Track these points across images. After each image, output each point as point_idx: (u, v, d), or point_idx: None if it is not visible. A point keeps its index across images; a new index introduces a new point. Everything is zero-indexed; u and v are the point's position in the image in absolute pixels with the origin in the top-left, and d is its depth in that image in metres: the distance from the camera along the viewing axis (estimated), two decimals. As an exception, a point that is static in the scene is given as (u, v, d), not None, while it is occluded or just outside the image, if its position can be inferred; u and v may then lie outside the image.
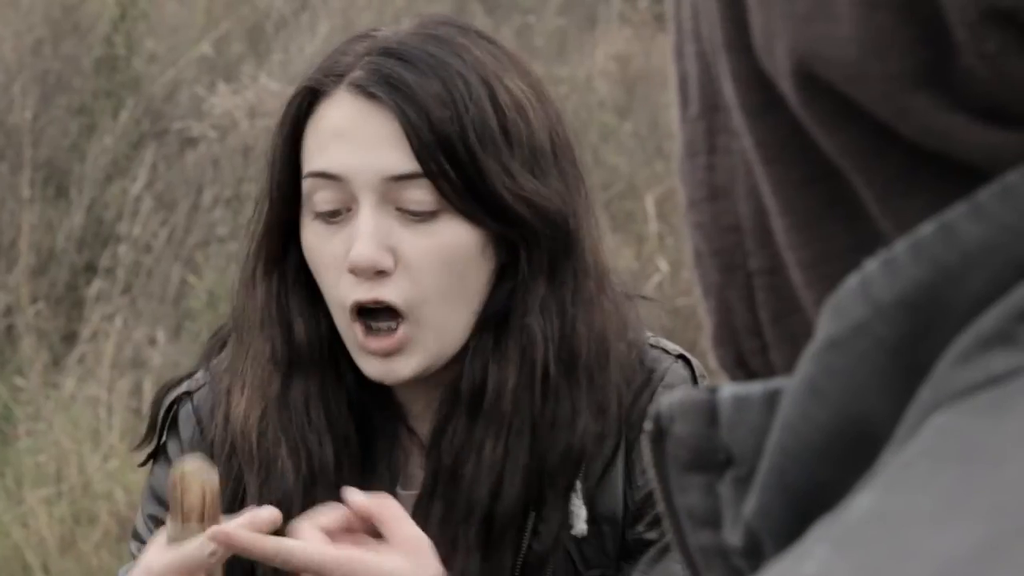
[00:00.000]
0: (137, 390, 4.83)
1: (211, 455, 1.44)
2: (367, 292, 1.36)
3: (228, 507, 1.40)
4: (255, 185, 5.28)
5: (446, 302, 1.38)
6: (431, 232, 1.37)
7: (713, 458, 0.44)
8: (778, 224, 0.44)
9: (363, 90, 1.38)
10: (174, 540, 1.29)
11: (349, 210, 1.38)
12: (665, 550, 1.41)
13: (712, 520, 0.45)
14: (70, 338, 5.21)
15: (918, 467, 0.38)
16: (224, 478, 1.39)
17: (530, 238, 1.39)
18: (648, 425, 0.46)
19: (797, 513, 0.41)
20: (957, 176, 0.41)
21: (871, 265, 0.41)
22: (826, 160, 0.43)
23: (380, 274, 1.36)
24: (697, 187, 0.47)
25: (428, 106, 1.36)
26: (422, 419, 1.46)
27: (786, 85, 0.43)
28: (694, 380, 1.46)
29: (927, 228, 0.40)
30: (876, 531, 0.37)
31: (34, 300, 5.27)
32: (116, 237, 5.45)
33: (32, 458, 4.42)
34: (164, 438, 1.49)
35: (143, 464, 1.53)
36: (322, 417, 1.42)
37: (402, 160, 1.36)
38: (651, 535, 1.42)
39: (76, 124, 5.76)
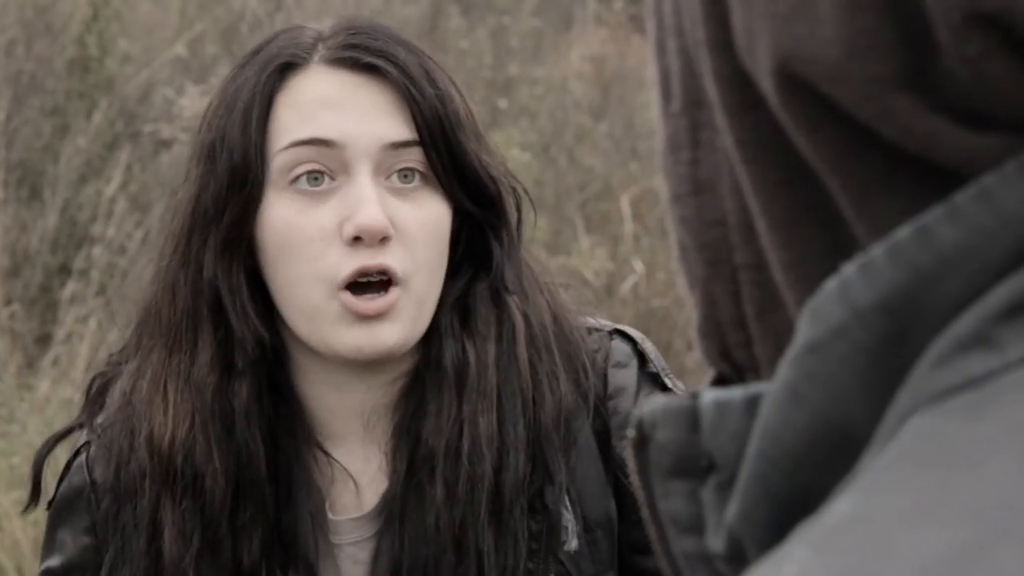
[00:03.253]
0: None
1: (96, 506, 1.41)
2: (370, 259, 1.34)
3: (147, 544, 1.37)
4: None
5: (430, 275, 1.38)
6: (419, 204, 1.38)
7: (695, 464, 0.44)
8: (760, 223, 0.44)
9: (352, 61, 1.38)
10: None
11: (334, 180, 1.36)
12: None
13: (695, 526, 0.45)
14: (44, 340, 5.19)
15: (897, 470, 0.38)
16: (145, 512, 1.37)
17: (496, 219, 1.41)
18: (631, 432, 0.46)
19: (779, 518, 0.41)
20: (934, 179, 0.41)
21: (849, 269, 0.41)
22: (804, 162, 0.43)
23: (383, 241, 1.35)
24: (681, 181, 0.47)
25: (419, 80, 1.38)
26: (338, 440, 1.42)
27: (767, 85, 0.43)
28: (636, 350, 1.46)
29: (904, 231, 0.40)
30: (855, 534, 0.37)
31: (8, 302, 5.25)
32: (90, 239, 5.43)
33: (6, 460, 4.40)
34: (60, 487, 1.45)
35: (24, 512, 1.48)
36: (257, 426, 1.37)
37: (401, 128, 1.37)
38: None
39: (49, 125, 5.74)
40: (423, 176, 1.38)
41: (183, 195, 1.41)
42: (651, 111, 0.50)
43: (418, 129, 1.37)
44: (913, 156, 0.41)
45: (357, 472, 1.42)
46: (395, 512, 1.39)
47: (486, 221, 1.41)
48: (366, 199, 1.34)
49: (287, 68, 1.39)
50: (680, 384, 1.47)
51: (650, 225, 5.79)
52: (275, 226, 1.36)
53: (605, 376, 1.44)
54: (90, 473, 1.43)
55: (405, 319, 1.36)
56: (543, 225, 5.41)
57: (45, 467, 1.46)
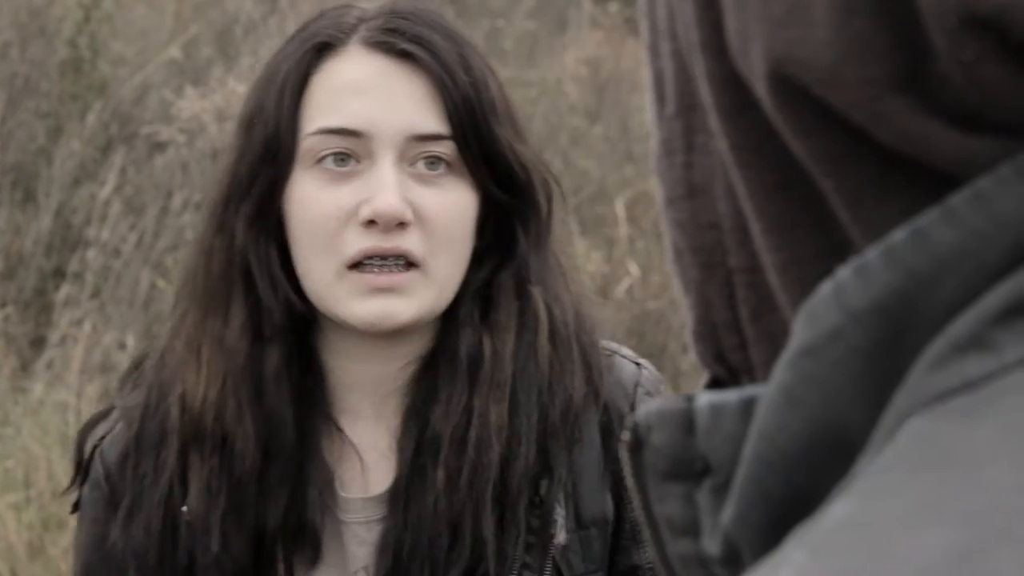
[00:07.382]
0: (106, 395, 4.81)
1: (112, 500, 1.43)
2: (385, 242, 1.37)
3: (165, 496, 1.39)
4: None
5: (451, 260, 1.40)
6: (443, 190, 1.40)
7: (691, 467, 0.44)
8: (754, 226, 0.44)
9: (387, 46, 1.39)
10: None
11: (359, 162, 1.39)
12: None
13: (691, 529, 0.45)
14: (38, 343, 5.18)
15: (894, 473, 0.38)
16: (172, 470, 1.39)
17: (525, 208, 1.42)
18: (626, 435, 0.46)
19: (774, 521, 0.41)
20: (928, 182, 0.41)
21: (844, 272, 0.41)
22: (798, 165, 0.43)
23: (400, 226, 1.37)
24: (675, 185, 0.47)
25: (454, 68, 1.39)
26: (351, 416, 1.44)
27: (760, 88, 0.43)
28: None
29: (899, 234, 0.40)
30: (853, 537, 0.37)
31: (2, 305, 5.24)
32: (85, 241, 5.43)
33: (0, 463, 4.40)
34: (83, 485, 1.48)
35: (73, 511, 1.50)
36: (287, 392, 1.40)
37: (430, 120, 1.39)
38: None
39: (43, 128, 5.73)
40: (449, 164, 1.39)
41: (223, 163, 1.45)
42: (646, 114, 0.50)
43: (449, 120, 1.39)
44: (908, 159, 0.41)
45: (366, 450, 1.44)
46: (401, 495, 1.40)
47: (513, 209, 1.42)
48: (385, 185, 1.37)
49: (325, 48, 1.41)
50: None
51: (645, 228, 5.80)
52: (299, 201, 1.40)
53: (634, 401, 1.46)
54: (103, 462, 1.45)
55: (420, 298, 1.38)
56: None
57: (85, 448, 1.48)
